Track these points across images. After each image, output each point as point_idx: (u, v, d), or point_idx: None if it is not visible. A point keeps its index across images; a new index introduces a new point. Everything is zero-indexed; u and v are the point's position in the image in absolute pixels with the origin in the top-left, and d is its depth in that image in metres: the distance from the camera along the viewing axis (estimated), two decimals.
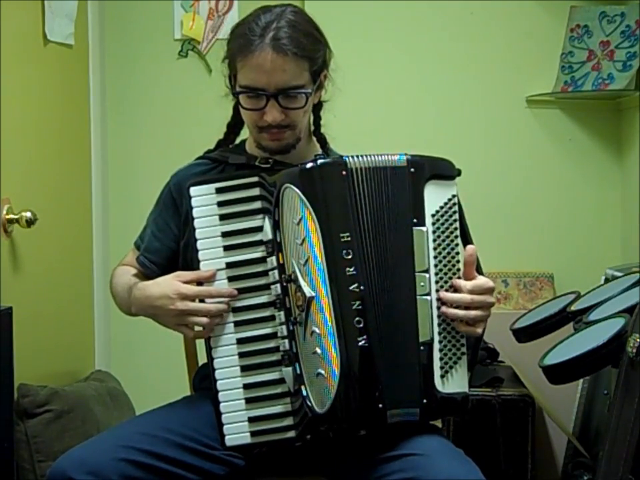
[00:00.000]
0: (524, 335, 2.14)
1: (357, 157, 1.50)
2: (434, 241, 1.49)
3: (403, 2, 2.88)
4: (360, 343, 1.44)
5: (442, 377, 1.47)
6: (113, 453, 1.42)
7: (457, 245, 1.50)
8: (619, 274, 2.23)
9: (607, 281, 2.30)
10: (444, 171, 1.53)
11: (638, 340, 1.52)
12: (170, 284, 1.53)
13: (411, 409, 1.47)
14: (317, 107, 1.73)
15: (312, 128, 1.75)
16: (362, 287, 1.45)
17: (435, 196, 1.51)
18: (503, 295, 2.87)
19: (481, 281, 1.50)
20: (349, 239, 1.46)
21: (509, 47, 2.89)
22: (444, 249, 1.49)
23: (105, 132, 2.92)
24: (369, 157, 1.51)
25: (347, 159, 1.50)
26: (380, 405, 1.44)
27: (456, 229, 1.50)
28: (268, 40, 1.54)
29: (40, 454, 2.10)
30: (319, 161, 1.49)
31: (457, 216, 1.51)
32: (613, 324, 1.67)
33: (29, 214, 2.11)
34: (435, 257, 1.49)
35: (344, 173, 1.48)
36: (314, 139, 1.76)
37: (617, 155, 2.90)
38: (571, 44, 2.78)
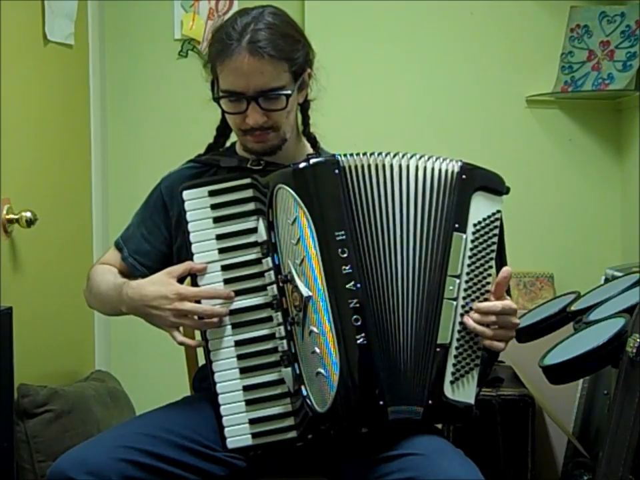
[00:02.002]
0: (524, 335, 2.14)
1: (350, 155, 1.50)
2: (471, 249, 1.49)
3: (403, 2, 2.88)
4: (358, 341, 1.44)
5: (452, 382, 1.47)
6: (112, 453, 1.41)
7: (491, 258, 1.51)
8: (619, 274, 2.23)
9: (607, 281, 2.30)
10: (494, 184, 1.53)
11: (638, 340, 1.52)
12: (166, 283, 1.53)
13: (415, 407, 1.46)
14: (305, 107, 1.72)
15: (301, 128, 1.74)
16: (359, 285, 1.45)
17: (480, 207, 1.51)
18: None
19: (508, 301, 1.50)
20: (344, 237, 1.46)
21: (509, 47, 2.89)
22: (478, 259, 1.49)
23: (104, 132, 2.92)
24: (371, 155, 1.50)
25: (339, 157, 1.49)
26: (380, 402, 1.44)
27: (494, 243, 1.51)
28: (244, 43, 1.54)
29: (40, 454, 2.10)
30: (312, 161, 1.49)
31: (497, 231, 1.52)
32: (613, 324, 1.67)
33: (28, 214, 2.11)
34: (469, 265, 1.49)
35: (336, 171, 1.48)
36: (304, 138, 1.75)
37: (617, 155, 2.90)
38: (571, 44, 2.78)
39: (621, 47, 2.74)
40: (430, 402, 1.46)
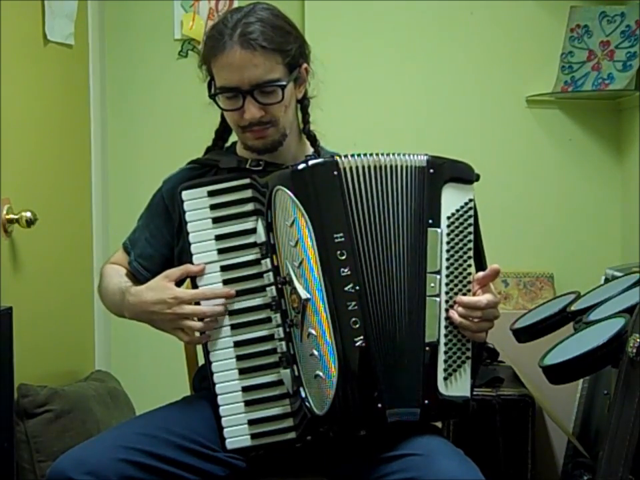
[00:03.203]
0: (524, 335, 2.14)
1: (351, 156, 1.50)
2: (447, 243, 1.49)
3: (403, 2, 2.88)
4: (357, 344, 1.44)
5: (445, 379, 1.47)
6: (112, 454, 1.42)
7: (469, 249, 1.50)
8: (619, 274, 2.23)
9: (607, 281, 2.29)
10: (463, 174, 1.53)
11: (638, 340, 1.52)
12: (164, 287, 1.53)
13: (412, 408, 1.46)
14: (304, 104, 1.72)
15: (301, 126, 1.73)
16: (357, 287, 1.45)
17: (452, 198, 1.50)
18: (502, 295, 2.87)
19: (491, 295, 1.50)
20: (343, 239, 1.45)
21: (509, 47, 2.89)
22: (456, 252, 1.49)
23: (105, 132, 2.92)
24: (369, 156, 1.50)
25: (337, 158, 1.49)
26: (379, 405, 1.44)
27: (470, 233, 1.50)
28: (236, 37, 1.55)
29: (40, 454, 2.10)
30: (310, 162, 1.48)
31: (472, 220, 1.51)
32: (613, 324, 1.67)
33: (28, 214, 2.11)
34: (447, 259, 1.48)
35: (335, 173, 1.48)
36: (304, 137, 1.75)
37: (617, 155, 2.90)
38: (571, 44, 2.78)
39: (621, 47, 2.74)
40: (426, 402, 1.46)
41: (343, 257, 1.45)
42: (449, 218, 1.50)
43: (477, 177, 1.54)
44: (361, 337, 1.44)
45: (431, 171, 1.50)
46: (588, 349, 1.62)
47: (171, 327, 1.54)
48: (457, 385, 1.47)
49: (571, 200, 2.91)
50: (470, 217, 1.51)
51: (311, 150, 1.74)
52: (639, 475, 1.56)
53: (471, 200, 1.52)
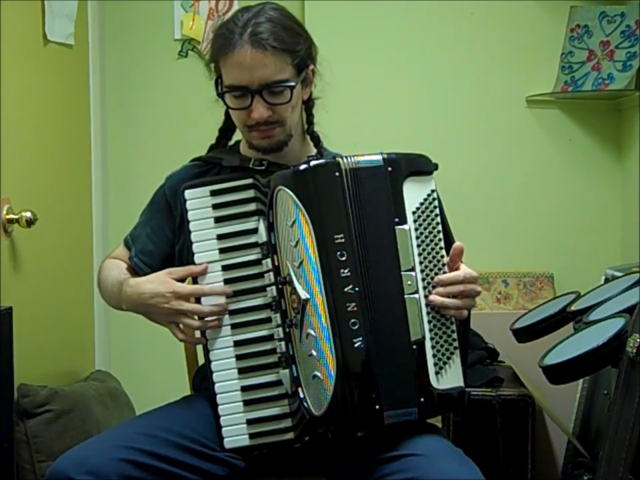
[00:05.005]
0: (524, 334, 2.14)
1: (349, 157, 1.49)
2: (417, 238, 1.48)
3: (403, 2, 2.88)
4: (356, 345, 1.44)
5: (437, 373, 1.47)
6: (112, 453, 1.41)
7: (440, 240, 1.49)
8: (619, 274, 2.23)
9: (607, 281, 2.30)
10: (421, 167, 1.52)
11: (638, 340, 1.52)
12: (163, 282, 1.54)
13: (409, 408, 1.46)
14: (309, 105, 1.72)
15: (305, 127, 1.74)
16: (357, 289, 1.45)
17: (414, 193, 1.49)
18: (502, 294, 2.87)
19: (469, 269, 1.50)
20: (343, 240, 1.45)
21: (509, 47, 2.89)
22: (427, 245, 1.48)
23: (105, 132, 2.92)
24: (355, 157, 1.50)
25: (339, 159, 1.49)
26: (377, 406, 1.44)
27: (438, 223, 1.50)
28: (246, 37, 1.55)
29: (40, 454, 2.10)
30: (312, 163, 1.48)
31: (437, 211, 1.50)
32: (613, 324, 1.67)
33: (28, 214, 2.11)
34: (420, 254, 1.48)
35: (337, 174, 1.47)
36: (307, 137, 1.75)
37: (617, 155, 2.90)
38: (571, 44, 2.78)
39: (621, 47, 2.74)
40: (422, 399, 1.46)
41: (343, 258, 1.45)
42: (414, 213, 1.49)
43: (436, 167, 1.53)
44: (360, 338, 1.44)
45: (389, 169, 1.49)
46: (588, 349, 1.62)
47: (166, 320, 1.55)
48: (448, 377, 1.47)
49: (571, 200, 2.91)
50: (435, 207, 1.50)
51: (314, 151, 1.74)
52: (639, 475, 1.56)
53: (433, 191, 1.51)
